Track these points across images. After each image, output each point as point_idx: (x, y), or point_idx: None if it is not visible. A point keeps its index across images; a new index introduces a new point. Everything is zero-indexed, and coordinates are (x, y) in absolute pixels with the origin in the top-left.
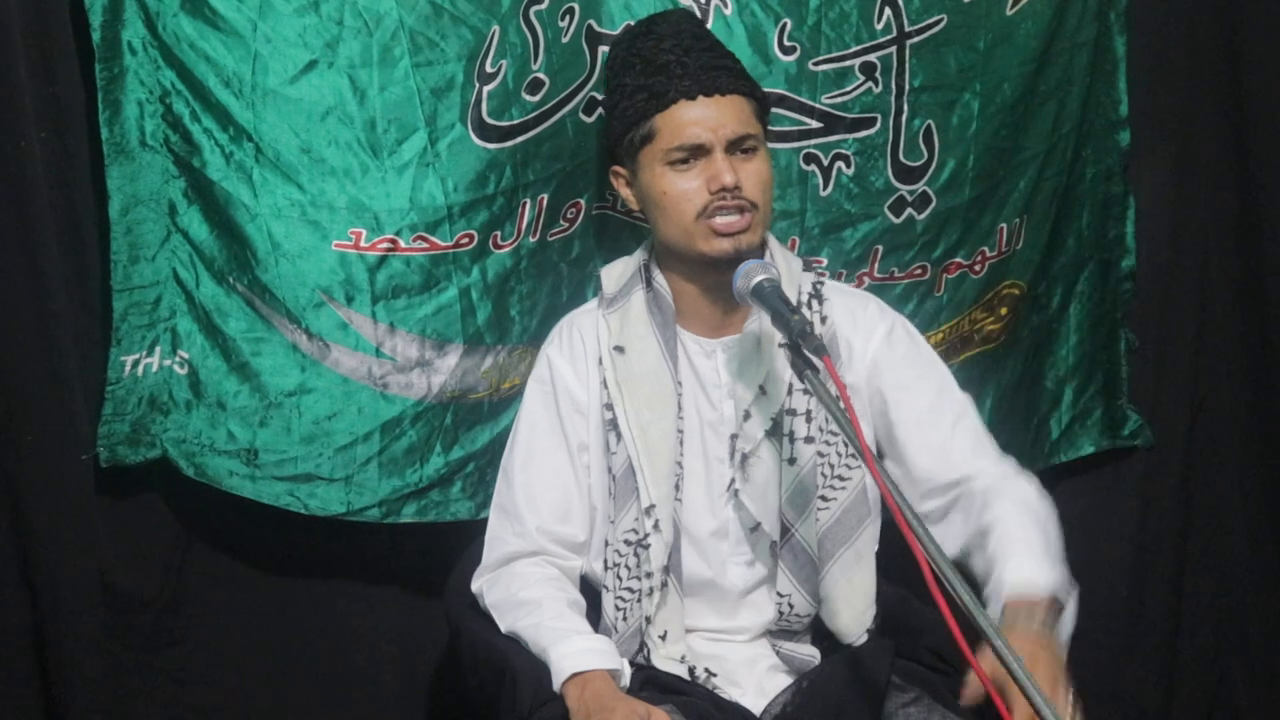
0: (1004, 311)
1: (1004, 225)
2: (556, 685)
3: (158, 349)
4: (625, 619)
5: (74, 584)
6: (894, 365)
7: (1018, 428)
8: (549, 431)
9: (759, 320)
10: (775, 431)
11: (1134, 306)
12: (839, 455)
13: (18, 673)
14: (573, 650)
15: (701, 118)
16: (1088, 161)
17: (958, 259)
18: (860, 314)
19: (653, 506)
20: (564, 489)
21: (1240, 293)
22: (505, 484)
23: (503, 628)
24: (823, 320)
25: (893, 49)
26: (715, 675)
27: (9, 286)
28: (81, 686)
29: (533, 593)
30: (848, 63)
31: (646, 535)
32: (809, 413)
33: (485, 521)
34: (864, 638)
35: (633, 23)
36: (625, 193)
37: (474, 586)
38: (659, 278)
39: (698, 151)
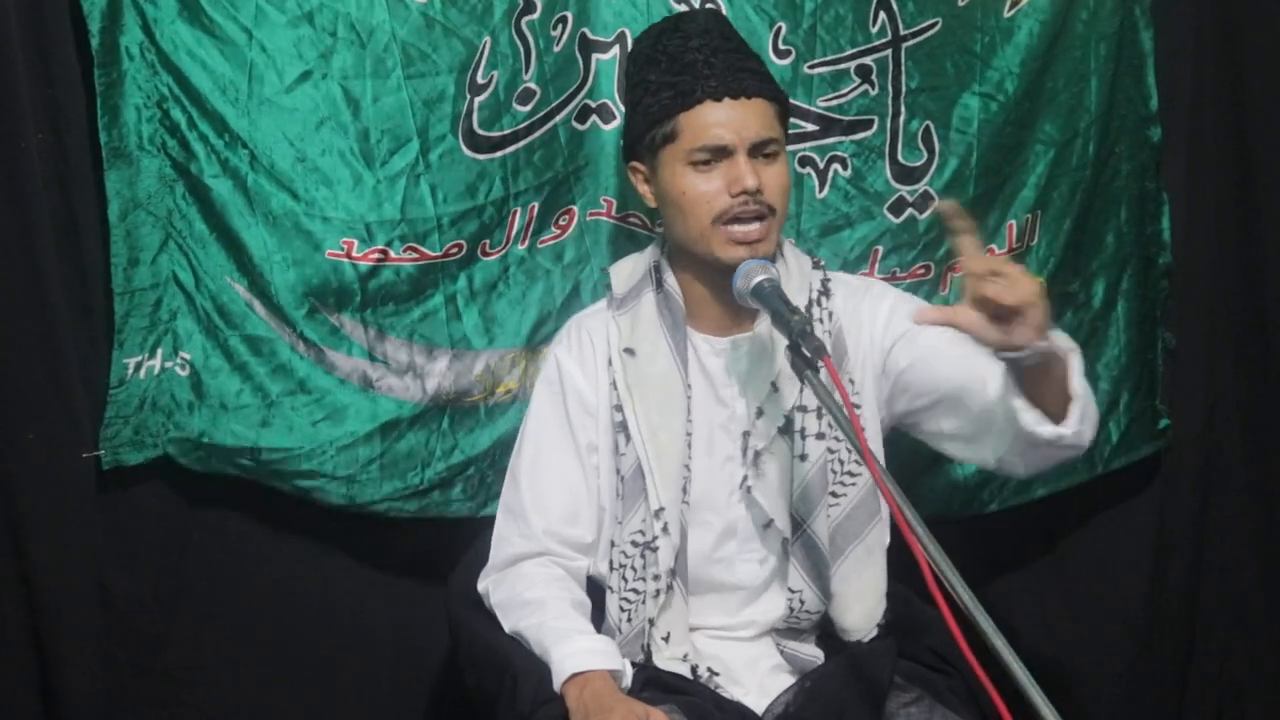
0: None
1: (1013, 222)
2: (557, 685)
3: (159, 351)
4: (630, 620)
5: (73, 584)
6: (902, 321)
7: None
8: (557, 432)
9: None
10: (787, 428)
11: (1172, 305)
12: (849, 451)
13: (16, 672)
14: (574, 650)
15: (726, 120)
16: (1122, 158)
17: None
18: (863, 293)
19: (661, 509)
20: (572, 490)
21: (1250, 292)
22: (512, 485)
23: (506, 627)
24: (830, 316)
25: (888, 52)
26: (718, 674)
27: (9, 287)
28: (80, 686)
29: (537, 593)
30: (843, 65)
31: (654, 538)
32: (819, 409)
33: (486, 520)
34: (874, 633)
35: (627, 30)
36: (643, 189)
37: (480, 586)
38: (670, 279)
39: (720, 153)
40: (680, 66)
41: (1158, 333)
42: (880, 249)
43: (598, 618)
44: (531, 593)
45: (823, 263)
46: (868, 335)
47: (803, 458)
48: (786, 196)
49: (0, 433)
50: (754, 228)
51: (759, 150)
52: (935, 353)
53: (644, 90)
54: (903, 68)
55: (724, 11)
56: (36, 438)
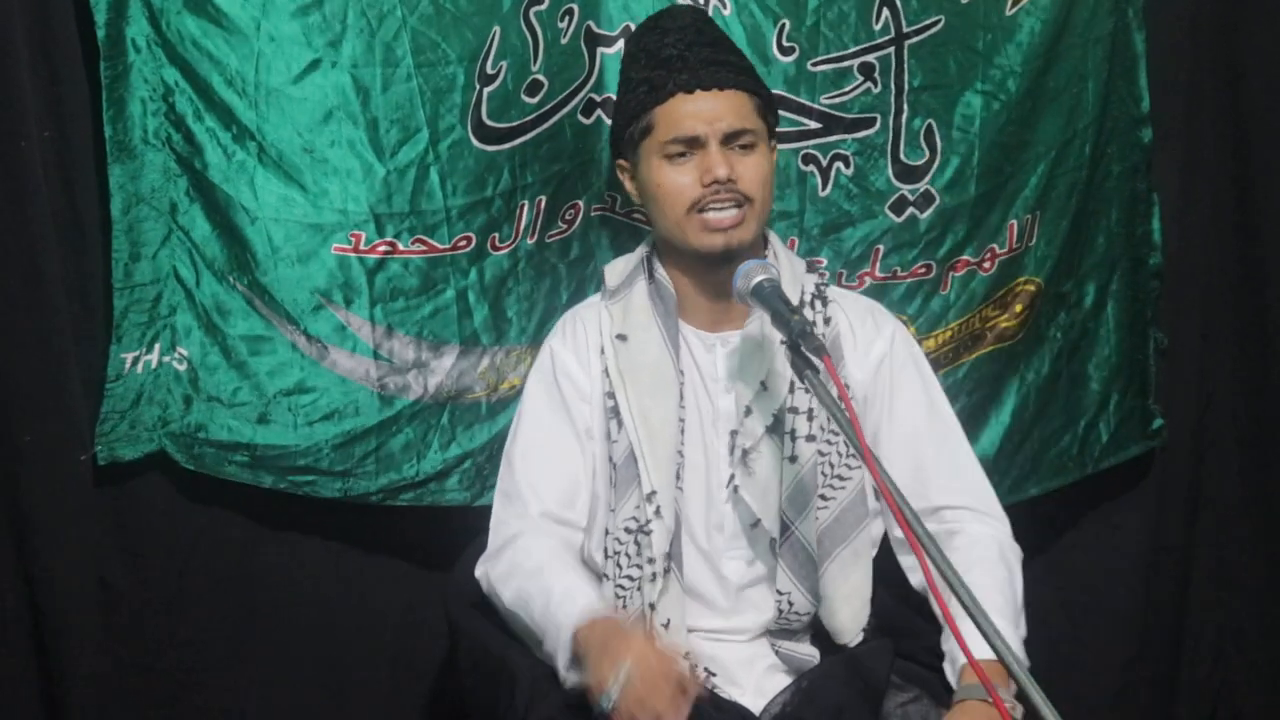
0: (1019, 309)
1: (1014, 222)
2: (565, 640)
3: (157, 346)
4: (625, 607)
5: (73, 583)
6: (891, 378)
7: (1058, 430)
8: (552, 416)
9: (760, 317)
10: (776, 429)
11: (1166, 304)
12: (839, 455)
13: (18, 672)
14: (576, 608)
15: (697, 111)
16: (1113, 159)
17: (965, 256)
18: (863, 321)
19: (654, 493)
20: (568, 474)
21: (1244, 292)
22: (508, 470)
23: (507, 599)
24: (826, 322)
25: (891, 49)
26: (715, 675)
27: (9, 285)
28: (81, 686)
29: (536, 560)
30: (846, 63)
31: (648, 522)
32: (810, 411)
33: (483, 511)
34: (860, 638)
35: (632, 24)
36: (629, 186)
37: (478, 572)
38: (660, 270)
39: (693, 144)
40: (657, 62)
41: (1149, 333)
42: (881, 248)
43: None
44: (530, 561)
45: (822, 264)
46: (861, 355)
47: (792, 459)
48: (766, 187)
49: (1, 432)
50: (728, 214)
51: (733, 140)
52: (894, 450)
53: (625, 88)
54: (905, 66)
55: (727, 10)
56: (36, 438)
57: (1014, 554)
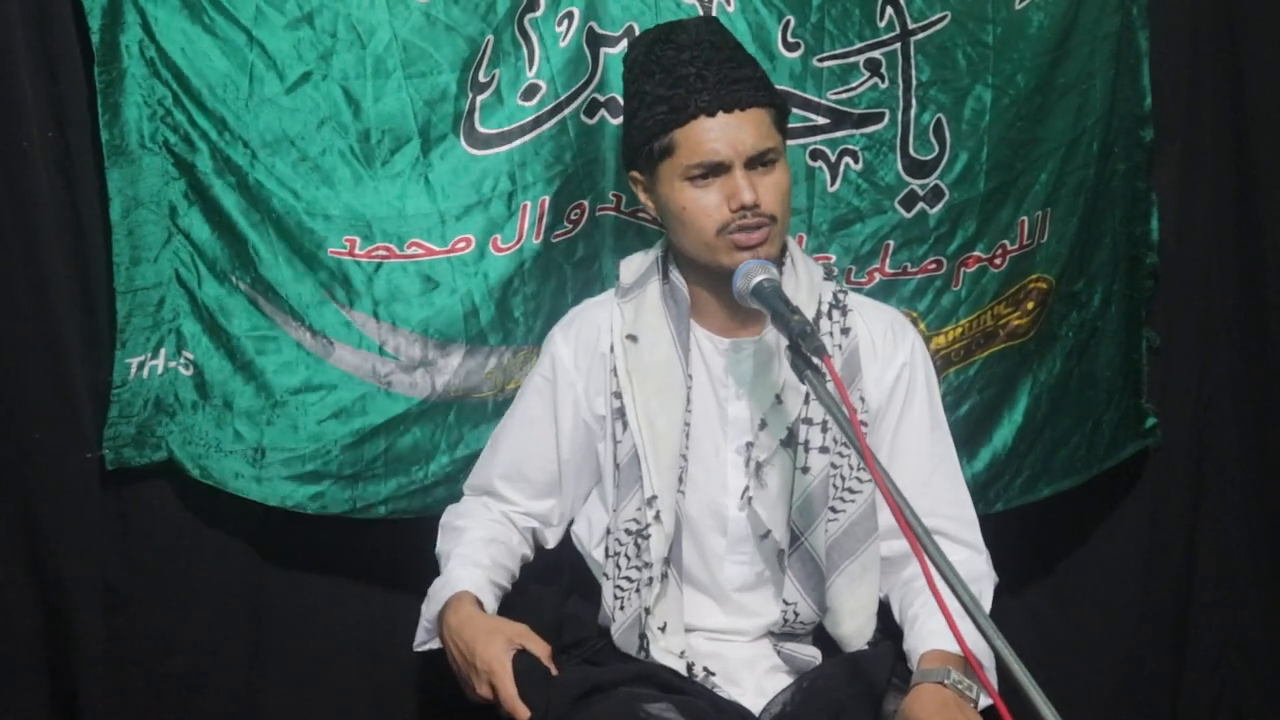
0: (1030, 306)
1: (1025, 218)
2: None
3: (162, 350)
4: (623, 608)
5: (79, 585)
6: (905, 395)
7: (1068, 430)
8: (533, 405)
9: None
10: (790, 441)
11: (1165, 304)
12: (850, 468)
13: (24, 673)
14: (447, 580)
15: (721, 134)
16: (1118, 158)
17: (976, 252)
18: (884, 335)
19: (654, 497)
20: (524, 461)
21: (1243, 292)
22: (490, 439)
23: (437, 545)
24: (844, 332)
25: (896, 45)
26: (714, 674)
27: (13, 287)
28: (86, 687)
29: (463, 522)
30: (852, 59)
31: (647, 525)
32: (824, 423)
33: None
34: (864, 648)
35: (634, 24)
36: (644, 199)
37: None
38: (675, 272)
39: (717, 169)
40: (674, 80)
41: (1141, 332)
42: (891, 244)
43: (594, 606)
44: (460, 521)
45: (830, 259)
46: (879, 371)
47: (805, 470)
48: (787, 202)
49: (6, 435)
50: (756, 234)
51: (757, 161)
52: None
53: (639, 102)
54: (912, 61)
55: (731, 7)
56: (41, 440)
57: (987, 580)
